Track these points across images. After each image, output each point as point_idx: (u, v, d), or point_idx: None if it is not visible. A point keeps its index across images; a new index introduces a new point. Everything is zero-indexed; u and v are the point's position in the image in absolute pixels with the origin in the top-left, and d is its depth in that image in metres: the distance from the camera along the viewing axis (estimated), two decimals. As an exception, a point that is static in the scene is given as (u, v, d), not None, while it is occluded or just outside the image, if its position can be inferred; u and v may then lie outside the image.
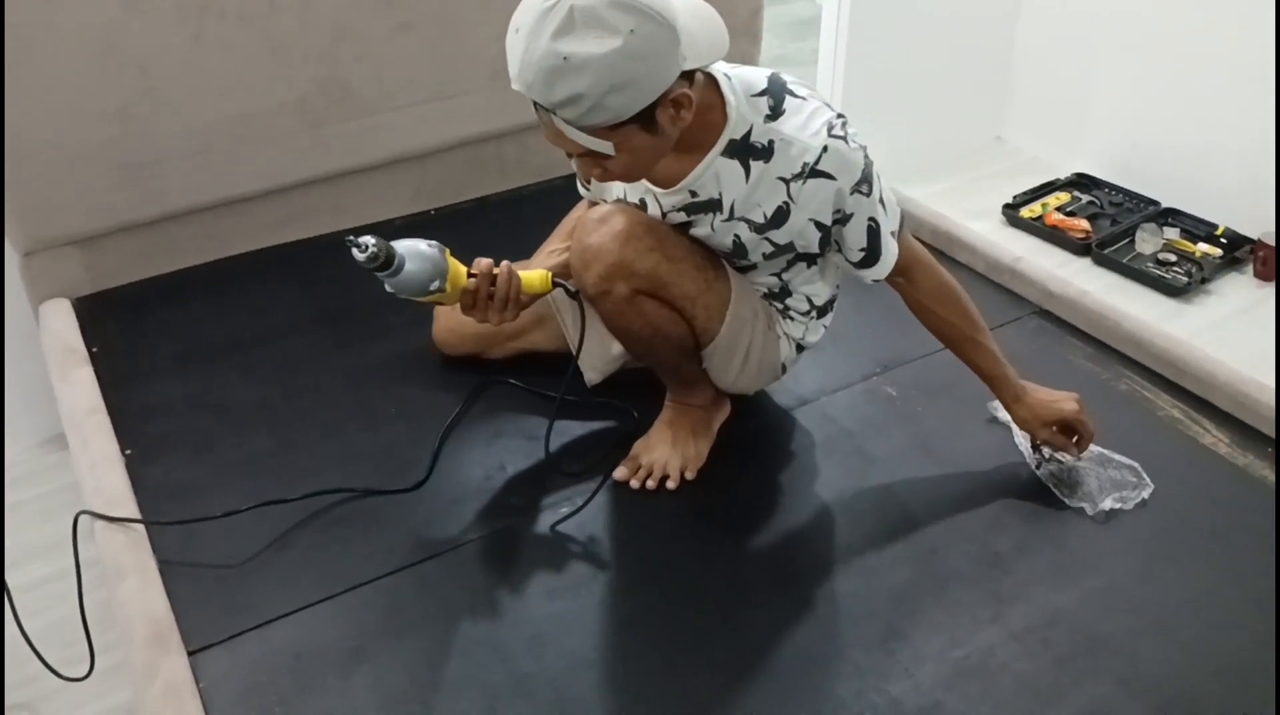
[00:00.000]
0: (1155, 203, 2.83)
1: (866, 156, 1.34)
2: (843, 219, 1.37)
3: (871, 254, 1.41)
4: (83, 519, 1.46)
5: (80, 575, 1.44)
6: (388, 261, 1.31)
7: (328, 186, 2.12)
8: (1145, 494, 1.50)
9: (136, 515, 1.46)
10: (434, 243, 1.37)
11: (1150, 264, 2.60)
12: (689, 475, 1.53)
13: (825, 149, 1.31)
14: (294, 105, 2.00)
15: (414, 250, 1.34)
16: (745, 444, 1.60)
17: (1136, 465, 1.53)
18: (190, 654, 1.28)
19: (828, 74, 2.89)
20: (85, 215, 1.90)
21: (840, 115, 1.33)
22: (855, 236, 1.39)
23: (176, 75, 1.87)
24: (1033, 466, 1.55)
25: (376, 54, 2.04)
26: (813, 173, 1.32)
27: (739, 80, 1.34)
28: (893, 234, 1.42)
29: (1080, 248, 2.69)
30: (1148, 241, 2.65)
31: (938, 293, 1.49)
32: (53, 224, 1.89)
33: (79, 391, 1.68)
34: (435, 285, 1.35)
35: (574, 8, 1.14)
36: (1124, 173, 2.90)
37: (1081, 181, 2.96)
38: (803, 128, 1.32)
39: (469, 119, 2.19)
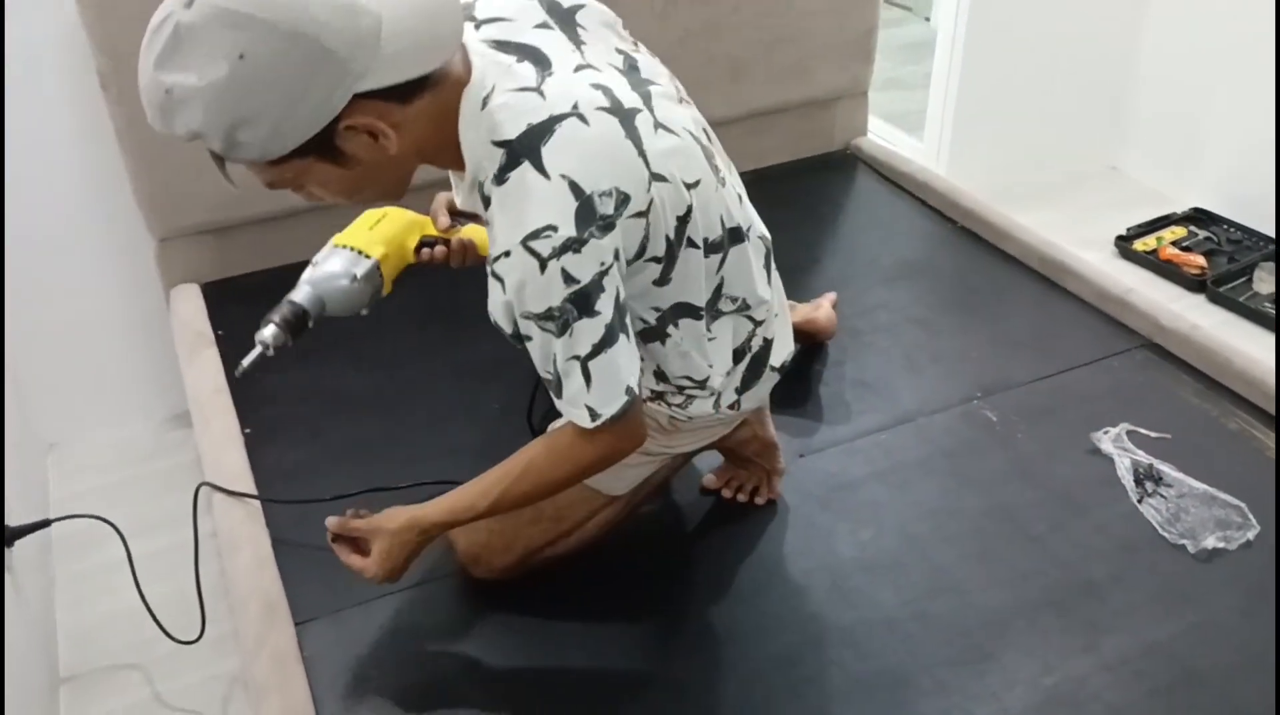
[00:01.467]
0: (1274, 241, 2.74)
1: (569, 301, 1.04)
2: (518, 337, 1.12)
3: (556, 390, 1.13)
4: (202, 492, 1.54)
5: (198, 545, 1.52)
6: (299, 330, 1.25)
7: (443, 188, 2.18)
8: (1250, 535, 1.46)
9: (253, 492, 1.53)
10: (358, 257, 1.27)
11: (1267, 304, 2.52)
12: (768, 497, 1.54)
13: (508, 253, 1.04)
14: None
15: (331, 289, 1.26)
16: (840, 459, 1.61)
17: (1243, 505, 1.49)
18: (297, 625, 1.35)
19: (940, 97, 2.88)
20: (217, 207, 2.00)
21: (570, 237, 1.02)
22: (539, 362, 1.13)
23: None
24: (1134, 500, 1.53)
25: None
26: (492, 271, 1.08)
27: (500, 111, 1.05)
28: (590, 409, 1.12)
29: (1194, 284, 2.62)
30: (1265, 281, 2.57)
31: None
32: (186, 214, 1.99)
33: (205, 372, 1.78)
34: (365, 312, 1.28)
35: (179, 26, 0.94)
36: (1243, 209, 2.82)
37: (1198, 216, 2.88)
38: (508, 212, 1.05)
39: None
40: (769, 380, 1.39)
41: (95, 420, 2.23)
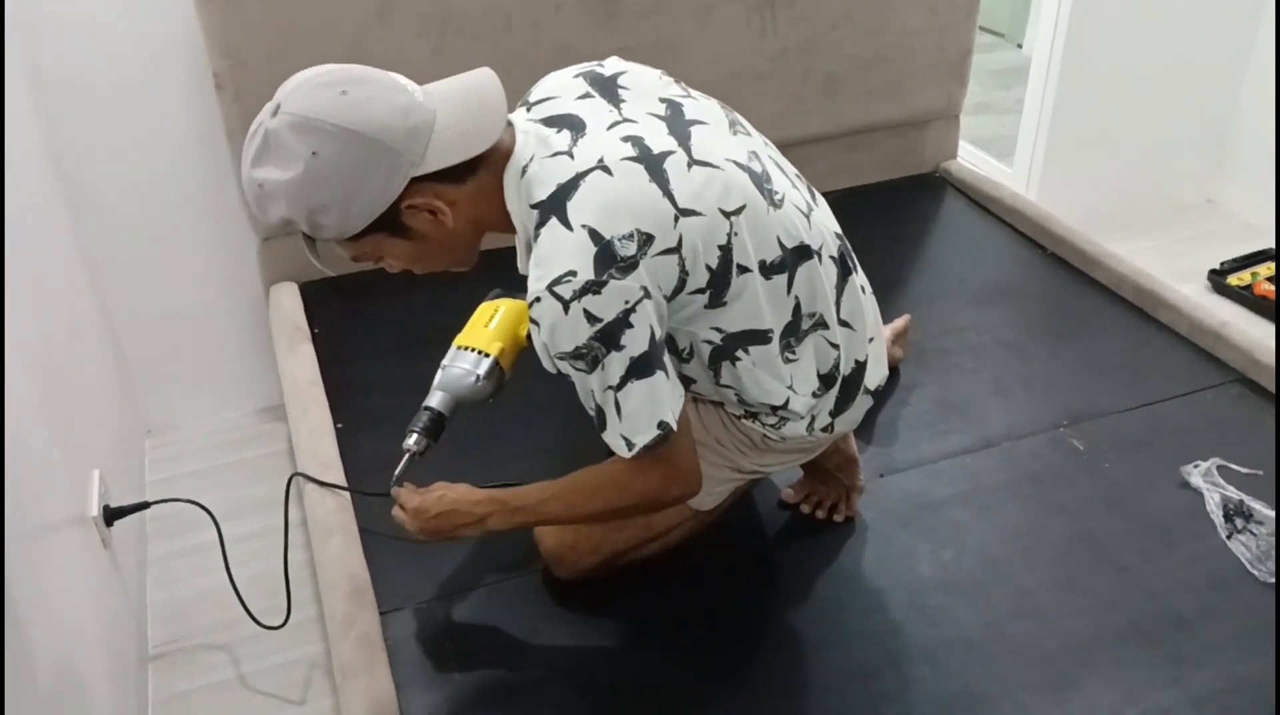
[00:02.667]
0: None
1: (595, 338, 1.12)
2: (561, 375, 1.20)
3: (600, 423, 1.20)
4: (295, 481, 1.59)
5: (287, 533, 1.57)
6: (439, 432, 1.38)
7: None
8: (1347, 576, 1.43)
9: (344, 483, 1.58)
10: (479, 357, 1.39)
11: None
12: (846, 515, 1.54)
13: (538, 299, 1.13)
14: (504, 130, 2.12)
15: (460, 389, 1.39)
16: (922, 479, 1.61)
17: (1340, 545, 1.46)
18: (382, 613, 1.39)
19: (1032, 124, 2.85)
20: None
21: (589, 280, 1.10)
22: (583, 398, 1.20)
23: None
24: (1223, 536, 1.50)
25: (595, 75, 2.15)
26: (530, 317, 1.16)
27: (535, 177, 1.16)
28: (625, 439, 1.18)
29: (1290, 320, 2.55)
30: (1368, 320, 2.50)
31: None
32: (290, 212, 2.06)
33: (301, 366, 1.83)
34: (492, 401, 1.41)
35: (267, 133, 1.11)
36: (1347, 246, 2.75)
37: (1297, 252, 2.81)
38: (539, 264, 1.14)
39: (674, 143, 2.27)
40: (863, 404, 1.41)
41: (192, 408, 2.30)
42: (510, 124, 1.21)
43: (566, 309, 1.11)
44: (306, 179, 1.11)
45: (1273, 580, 1.42)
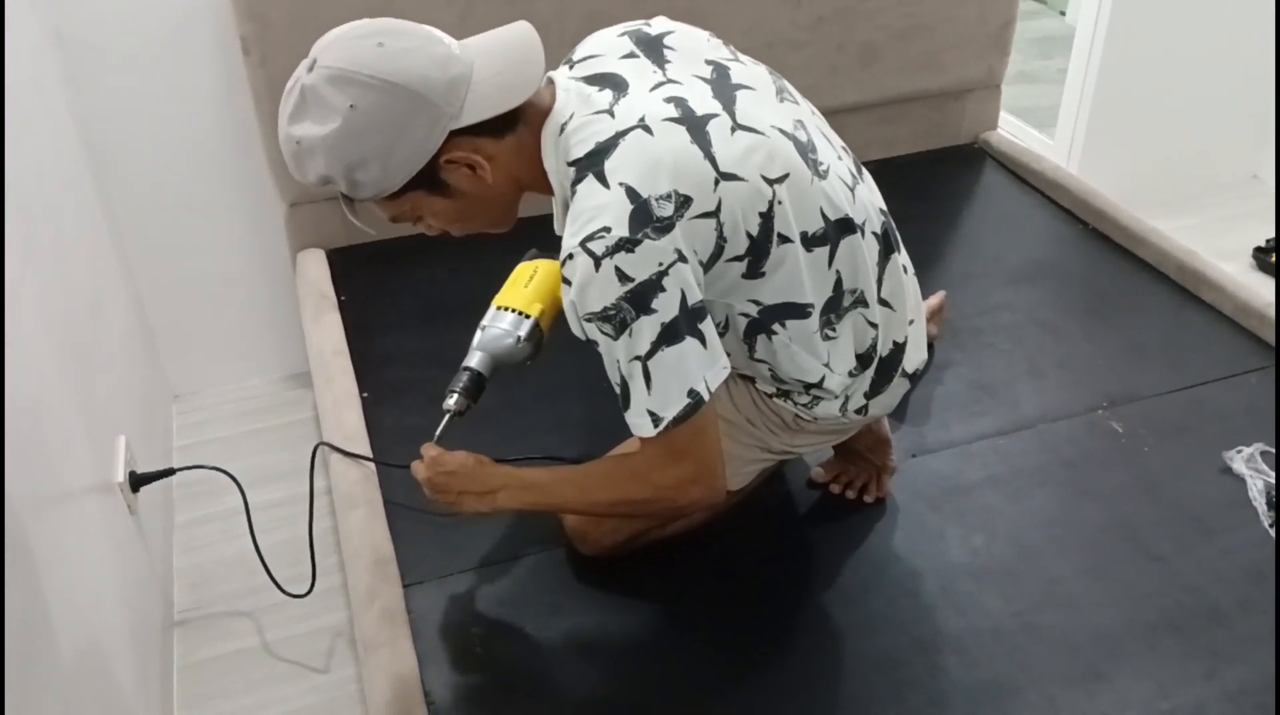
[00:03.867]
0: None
1: (625, 299, 1.08)
2: (588, 343, 1.16)
3: (624, 399, 1.16)
4: (320, 450, 1.58)
5: (313, 503, 1.56)
6: (479, 393, 1.36)
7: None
8: (1393, 570, 1.39)
9: (369, 453, 1.56)
10: (519, 318, 1.36)
11: None
12: (876, 495, 1.51)
13: (571, 256, 1.10)
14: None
15: (499, 350, 1.36)
16: (954, 461, 1.58)
17: (1386, 538, 1.42)
18: (405, 586, 1.38)
19: (1075, 95, 2.78)
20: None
21: (622, 237, 1.07)
22: (608, 369, 1.16)
23: (443, 49, 1.98)
24: (1265, 524, 1.46)
25: (626, 42, 2.10)
26: (563, 276, 1.13)
27: (574, 134, 1.14)
28: (651, 414, 1.14)
29: (1338, 301, 2.49)
30: None
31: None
32: (317, 178, 2.04)
33: (327, 334, 1.82)
34: (530, 363, 1.38)
35: (304, 89, 1.09)
36: (1398, 225, 2.67)
37: (1346, 230, 2.73)
38: (574, 220, 1.11)
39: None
40: (899, 387, 1.37)
41: (218, 374, 2.30)
42: (551, 82, 1.19)
43: (598, 265, 1.08)
44: (345, 132, 1.08)
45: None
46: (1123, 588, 1.37)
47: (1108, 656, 1.28)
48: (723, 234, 1.13)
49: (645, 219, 1.08)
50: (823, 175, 1.21)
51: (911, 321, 1.36)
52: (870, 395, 1.34)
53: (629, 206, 1.08)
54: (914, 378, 1.39)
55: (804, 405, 1.33)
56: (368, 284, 2.00)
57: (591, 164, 1.11)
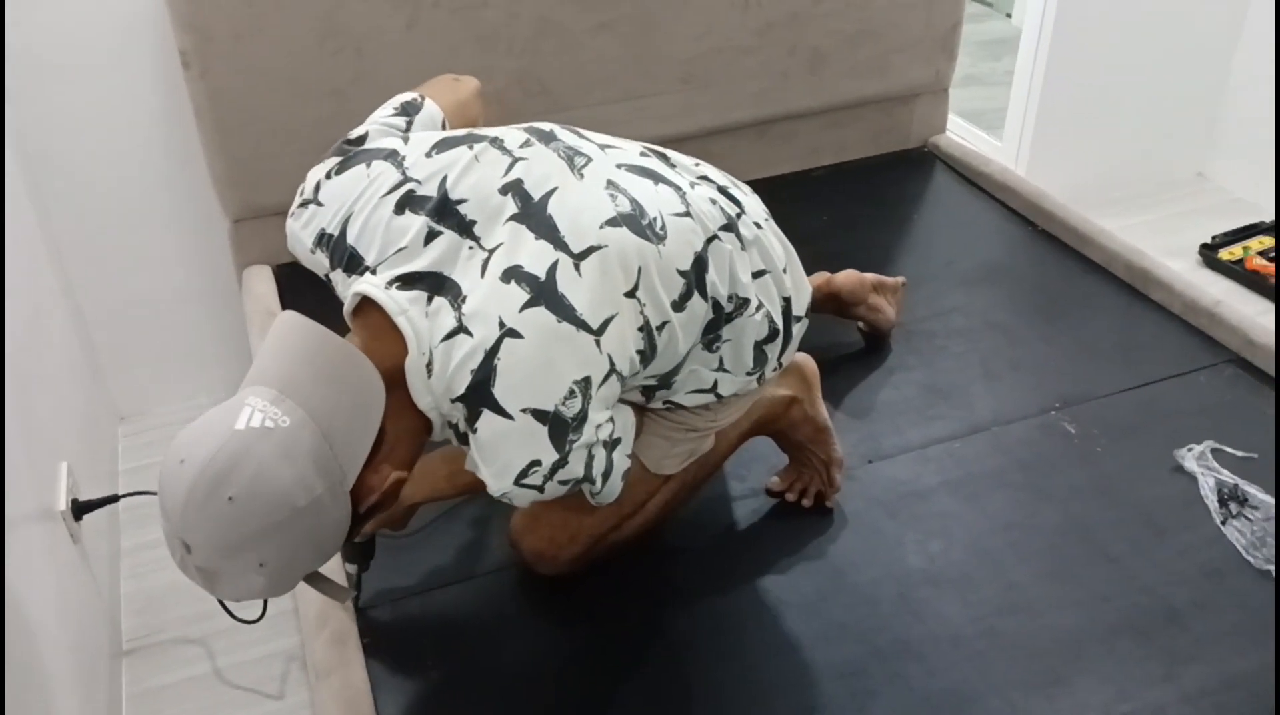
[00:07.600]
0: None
1: (575, 480, 1.13)
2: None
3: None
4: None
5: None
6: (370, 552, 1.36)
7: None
8: (1343, 563, 1.40)
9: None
10: None
11: (1362, 320, 2.42)
12: (831, 493, 1.51)
13: (507, 494, 1.10)
14: (492, 96, 2.06)
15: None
16: (910, 466, 1.57)
17: (1335, 531, 1.43)
18: (357, 610, 1.35)
19: (1022, 96, 2.80)
20: (293, 188, 2.00)
21: (554, 461, 1.08)
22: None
23: (389, 60, 1.95)
24: (1218, 522, 1.47)
25: (575, 51, 2.09)
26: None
27: (441, 374, 1.07)
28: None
29: (1282, 296, 2.52)
30: (1361, 295, 2.47)
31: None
32: (262, 194, 2.00)
33: (274, 352, 1.78)
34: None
35: (201, 570, 1.00)
36: (1339, 221, 2.72)
37: (1289, 226, 2.77)
38: (493, 463, 1.08)
39: (657, 121, 2.21)
40: (798, 332, 1.36)
41: (165, 394, 2.25)
42: (377, 306, 1.09)
43: (543, 490, 1.10)
44: (273, 579, 1.02)
45: (1269, 566, 1.39)
46: (1080, 591, 1.37)
47: (1067, 661, 1.28)
48: (622, 378, 1.13)
49: (564, 428, 1.07)
50: (661, 235, 1.15)
51: (785, 270, 1.32)
52: (780, 355, 1.34)
53: (543, 429, 1.06)
54: (806, 316, 1.37)
55: (710, 402, 1.33)
56: (315, 300, 1.95)
57: (480, 397, 1.05)
